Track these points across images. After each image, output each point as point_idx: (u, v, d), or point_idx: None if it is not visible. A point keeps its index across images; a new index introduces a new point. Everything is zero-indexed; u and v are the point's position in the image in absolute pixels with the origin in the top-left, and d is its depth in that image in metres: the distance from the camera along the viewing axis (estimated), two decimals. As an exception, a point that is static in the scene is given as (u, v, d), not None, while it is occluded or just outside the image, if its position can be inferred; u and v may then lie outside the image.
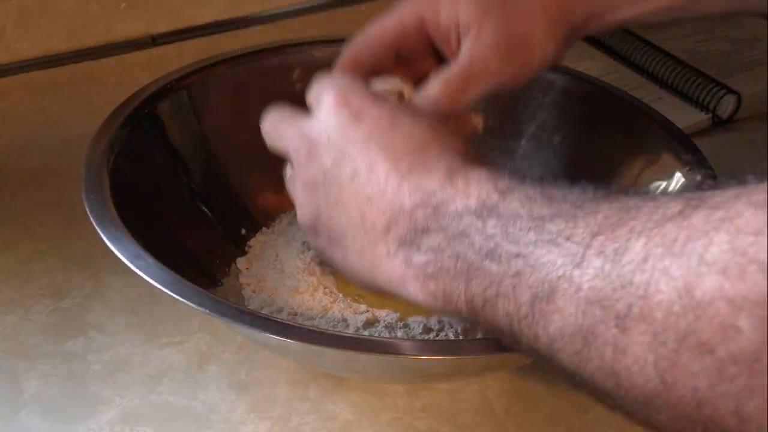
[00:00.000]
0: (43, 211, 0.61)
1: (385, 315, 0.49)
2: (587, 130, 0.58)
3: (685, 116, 0.71)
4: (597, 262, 0.27)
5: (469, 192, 0.34)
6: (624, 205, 0.28)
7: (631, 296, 0.26)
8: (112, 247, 0.42)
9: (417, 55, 0.49)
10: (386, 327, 0.48)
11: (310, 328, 0.43)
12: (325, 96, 0.40)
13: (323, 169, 0.38)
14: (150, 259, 0.41)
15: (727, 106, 0.72)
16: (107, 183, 0.47)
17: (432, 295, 0.34)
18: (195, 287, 0.40)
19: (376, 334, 0.47)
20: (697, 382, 0.24)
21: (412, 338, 0.47)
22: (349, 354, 0.39)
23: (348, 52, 0.48)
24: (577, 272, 0.28)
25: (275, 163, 0.60)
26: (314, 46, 0.61)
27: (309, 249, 0.54)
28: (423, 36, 0.48)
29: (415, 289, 0.35)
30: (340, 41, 0.61)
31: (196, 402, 0.47)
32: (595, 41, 0.81)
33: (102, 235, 0.42)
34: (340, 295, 0.50)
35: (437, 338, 0.47)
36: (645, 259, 0.26)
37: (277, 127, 0.43)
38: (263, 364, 0.49)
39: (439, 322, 0.48)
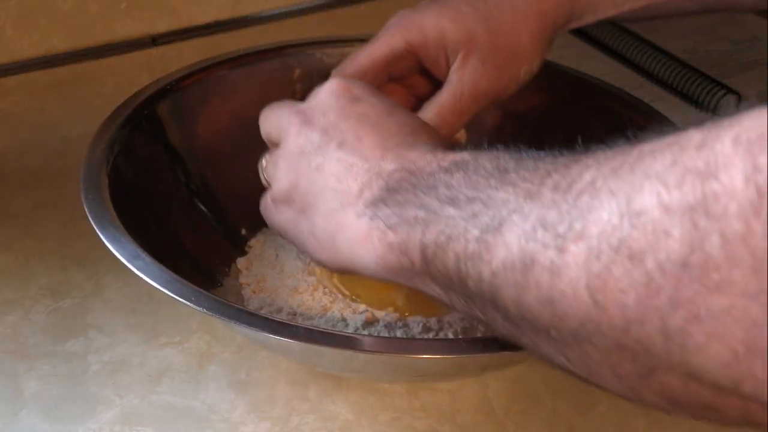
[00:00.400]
0: (43, 211, 0.61)
1: (384, 315, 0.49)
2: (587, 131, 0.58)
3: (685, 116, 0.71)
4: (548, 194, 0.28)
5: (445, 158, 0.35)
6: (583, 152, 0.29)
7: (572, 217, 0.26)
8: (111, 248, 0.42)
9: (408, 74, 0.52)
10: (386, 326, 0.48)
11: (310, 327, 0.43)
12: (327, 84, 0.42)
13: (312, 139, 0.39)
14: (149, 259, 0.41)
15: (727, 106, 0.72)
16: (107, 183, 0.47)
17: (389, 247, 0.35)
18: (194, 287, 0.40)
19: (376, 334, 0.47)
20: (626, 298, 0.24)
21: (412, 337, 0.47)
22: (348, 354, 0.39)
23: (339, 76, 0.49)
24: (527, 204, 0.28)
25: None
26: (314, 46, 0.61)
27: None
28: (412, 59, 0.50)
29: (373, 246, 0.35)
30: (340, 41, 0.61)
31: (196, 402, 0.47)
32: (596, 41, 0.81)
33: (101, 235, 0.42)
34: (340, 295, 0.50)
35: (437, 338, 0.47)
36: (592, 183, 0.26)
37: (273, 110, 0.44)
38: (263, 364, 0.49)
39: (439, 321, 0.48)
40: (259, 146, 0.60)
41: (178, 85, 0.56)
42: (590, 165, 0.27)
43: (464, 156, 0.34)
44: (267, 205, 0.43)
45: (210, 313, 0.39)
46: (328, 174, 0.38)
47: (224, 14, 0.82)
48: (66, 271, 0.55)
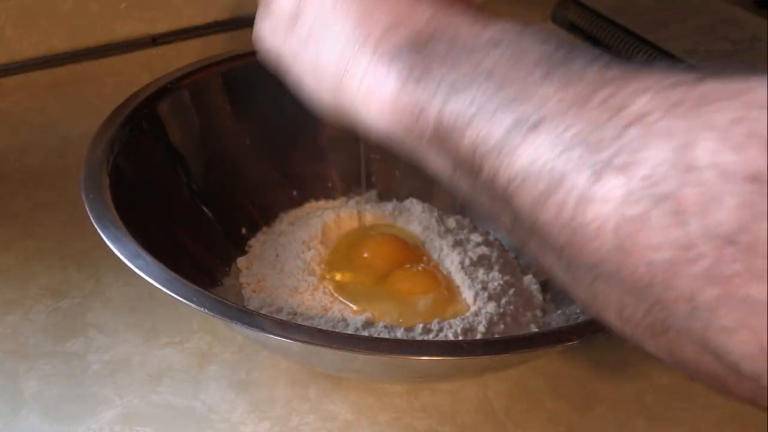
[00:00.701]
0: (43, 211, 0.61)
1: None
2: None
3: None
4: (596, 109, 0.25)
5: (488, 25, 0.31)
6: (639, 67, 0.26)
7: (618, 146, 0.23)
8: (112, 247, 0.42)
9: None
10: (385, 327, 0.48)
11: (310, 328, 0.43)
12: None
13: None
14: (150, 259, 0.41)
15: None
16: (107, 183, 0.47)
17: (401, 107, 0.31)
18: (194, 287, 0.40)
19: (376, 334, 0.47)
20: (658, 255, 0.22)
21: (412, 339, 0.47)
22: (348, 354, 0.39)
23: None
24: (570, 112, 0.25)
25: (275, 163, 0.60)
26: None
27: (309, 249, 0.54)
28: None
29: (382, 99, 0.31)
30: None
31: (196, 402, 0.47)
32: (596, 41, 0.81)
33: (102, 235, 0.42)
34: (339, 296, 0.50)
35: (437, 338, 0.47)
36: (646, 114, 0.23)
37: None
38: (263, 364, 0.49)
39: (439, 323, 0.48)
40: (260, 145, 0.60)
41: (178, 85, 0.56)
42: (648, 88, 0.24)
43: (509, 28, 0.30)
44: (261, 27, 0.38)
45: (211, 313, 0.39)
46: (351, 2, 0.33)
47: (224, 14, 0.82)
48: (66, 271, 0.55)
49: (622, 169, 0.23)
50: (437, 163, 0.31)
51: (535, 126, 0.26)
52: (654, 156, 0.22)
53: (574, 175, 0.24)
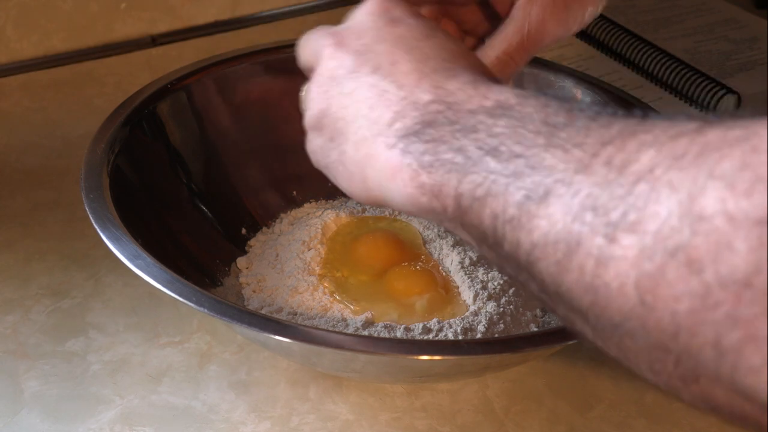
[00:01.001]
0: (43, 211, 0.61)
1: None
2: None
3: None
4: (601, 170, 0.26)
5: (488, 95, 0.32)
6: (640, 121, 0.27)
7: (627, 205, 0.24)
8: (112, 247, 0.42)
9: (461, 6, 0.48)
10: (385, 327, 0.48)
11: (310, 328, 0.43)
12: (365, 4, 0.39)
13: (344, 63, 0.37)
14: (149, 259, 0.41)
15: (727, 106, 0.72)
16: (107, 183, 0.47)
17: (421, 188, 0.32)
18: (194, 287, 0.40)
19: (376, 334, 0.47)
20: (679, 305, 0.23)
21: (412, 338, 0.47)
22: (348, 354, 0.39)
23: None
24: (578, 177, 0.26)
25: (275, 163, 0.60)
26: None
27: (309, 249, 0.54)
28: None
29: (404, 181, 0.33)
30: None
31: (196, 402, 0.47)
32: (596, 41, 0.81)
33: (102, 235, 0.42)
34: (339, 296, 0.50)
35: (436, 338, 0.47)
36: (651, 170, 0.24)
37: (310, 35, 0.41)
38: (263, 364, 0.49)
39: (439, 323, 0.48)
40: (260, 145, 0.60)
41: (178, 85, 0.56)
42: (649, 143, 0.25)
43: (509, 97, 0.32)
44: (308, 146, 0.41)
45: (210, 313, 0.39)
46: (360, 100, 0.36)
47: (224, 14, 0.82)
48: (66, 271, 0.55)
49: (633, 227, 0.24)
50: (465, 237, 0.32)
51: (546, 196, 0.27)
52: (663, 210, 0.23)
53: (589, 238, 0.25)
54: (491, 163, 0.30)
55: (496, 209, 0.29)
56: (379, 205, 0.37)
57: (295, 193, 0.60)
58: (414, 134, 0.33)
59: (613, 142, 0.26)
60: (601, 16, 0.81)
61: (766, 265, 0.21)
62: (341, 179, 0.38)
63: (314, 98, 0.39)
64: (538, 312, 0.51)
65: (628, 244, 0.24)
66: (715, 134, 0.23)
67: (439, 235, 0.56)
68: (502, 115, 0.31)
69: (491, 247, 0.30)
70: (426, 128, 0.33)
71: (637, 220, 0.24)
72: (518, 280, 0.30)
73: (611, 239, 0.24)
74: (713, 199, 0.22)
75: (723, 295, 0.22)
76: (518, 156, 0.29)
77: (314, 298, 0.50)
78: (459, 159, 0.31)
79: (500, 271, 0.31)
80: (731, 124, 0.23)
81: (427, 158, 0.32)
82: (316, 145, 0.40)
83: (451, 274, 0.53)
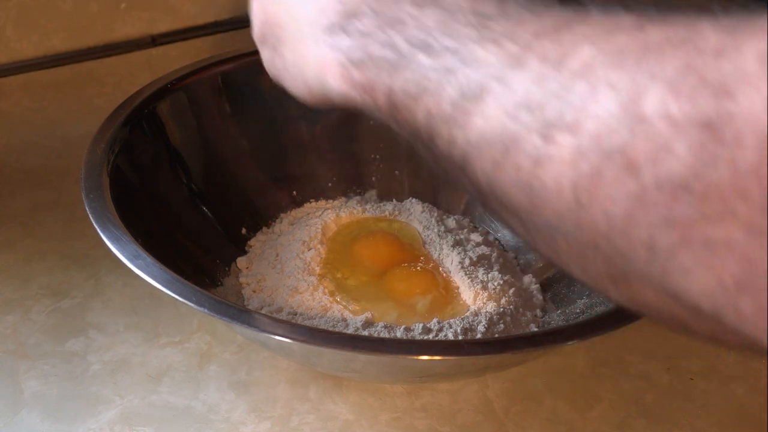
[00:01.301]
0: (43, 211, 0.61)
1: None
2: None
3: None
4: (536, 66, 0.25)
5: None
6: (575, 11, 0.26)
7: (564, 104, 0.23)
8: (112, 247, 0.42)
9: None
10: (385, 327, 0.48)
11: (310, 328, 0.43)
12: None
13: None
14: (150, 259, 0.41)
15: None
16: (107, 183, 0.47)
17: (353, 85, 0.32)
18: (194, 287, 0.40)
19: (376, 334, 0.47)
20: (614, 207, 0.22)
21: (412, 338, 0.47)
22: (348, 354, 0.39)
23: None
24: (512, 73, 0.25)
25: (275, 163, 0.60)
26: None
27: (309, 249, 0.54)
28: None
29: (336, 79, 0.33)
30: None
31: (196, 402, 0.47)
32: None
33: (102, 235, 0.42)
34: (339, 296, 0.50)
35: (436, 338, 0.47)
36: (589, 68, 0.23)
37: None
38: (263, 364, 0.49)
39: (439, 323, 0.48)
40: (259, 145, 0.60)
41: (178, 85, 0.56)
42: (587, 37, 0.24)
43: None
44: (262, 55, 0.41)
45: (211, 313, 0.39)
46: (290, 4, 0.36)
47: (224, 14, 0.82)
48: (66, 271, 0.55)
49: (571, 127, 0.23)
50: (399, 132, 0.31)
51: (481, 94, 0.26)
52: (601, 110, 0.22)
53: (525, 137, 0.24)
54: (422, 58, 0.29)
55: (430, 107, 0.28)
56: (326, 104, 0.36)
57: (295, 193, 0.60)
58: (340, 28, 0.33)
59: (547, 35, 0.25)
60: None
61: (706, 169, 0.20)
62: (289, 84, 0.38)
63: (255, 13, 0.39)
64: (538, 312, 0.51)
65: (565, 144, 0.23)
66: (657, 33, 0.23)
67: (439, 235, 0.56)
68: (428, 3, 0.30)
69: (425, 145, 0.30)
70: (350, 20, 0.32)
71: (575, 120, 0.23)
72: (450, 178, 0.29)
73: (548, 139, 0.24)
74: (655, 102, 0.21)
75: (660, 197, 0.21)
76: (449, 51, 0.28)
77: (314, 298, 0.50)
78: (389, 54, 0.30)
79: (433, 168, 0.30)
80: (674, 22, 0.23)
81: (357, 54, 0.31)
82: (266, 59, 0.40)
83: (451, 274, 0.53)
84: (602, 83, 0.23)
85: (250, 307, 0.50)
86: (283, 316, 0.49)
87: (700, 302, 0.22)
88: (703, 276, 0.21)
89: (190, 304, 0.39)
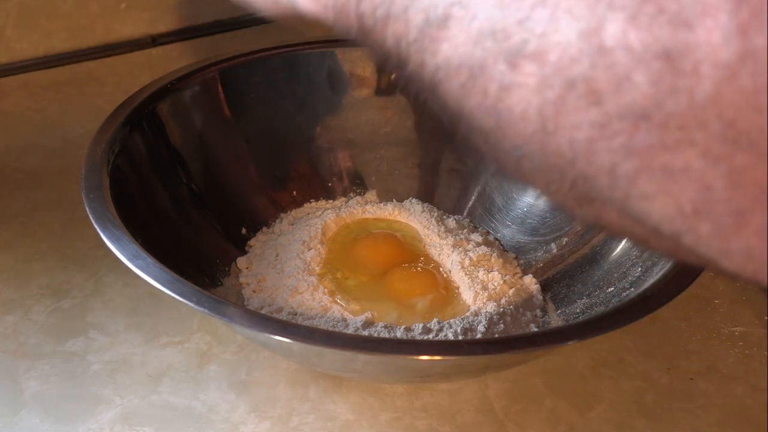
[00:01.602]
0: (43, 211, 0.61)
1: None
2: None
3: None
4: None
5: None
6: None
7: (527, 32, 0.24)
8: (112, 247, 0.42)
9: None
10: (385, 327, 0.48)
11: (310, 328, 0.43)
12: None
13: None
14: (150, 259, 0.41)
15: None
16: (107, 183, 0.47)
17: (323, 7, 0.32)
18: (195, 287, 0.40)
19: (376, 334, 0.47)
20: (577, 133, 0.23)
21: (412, 338, 0.47)
22: (348, 354, 0.39)
23: None
24: None
25: (275, 163, 0.60)
26: (314, 46, 0.61)
27: (309, 249, 0.54)
28: None
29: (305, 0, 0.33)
30: (340, 41, 0.61)
31: (196, 402, 0.47)
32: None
33: (102, 235, 0.42)
34: (339, 296, 0.50)
35: (436, 338, 0.47)
36: None
37: None
38: (263, 364, 0.49)
39: (439, 323, 0.48)
40: (259, 145, 0.60)
41: (178, 85, 0.56)
42: None
43: None
44: None
45: (211, 313, 0.39)
46: None
47: (224, 14, 0.82)
48: (66, 271, 0.55)
49: (534, 55, 0.23)
50: (372, 53, 0.31)
51: (445, 20, 0.26)
52: (563, 39, 0.23)
53: (491, 64, 0.25)
54: None
55: (398, 31, 0.28)
56: (292, 18, 0.36)
57: (295, 193, 0.60)
58: None
59: None
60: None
61: (665, 99, 0.21)
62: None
63: None
64: (538, 312, 0.51)
65: (529, 72, 0.24)
66: None
67: (439, 236, 0.56)
68: None
69: (396, 67, 0.30)
70: None
71: (538, 48, 0.23)
72: (420, 99, 0.30)
73: (513, 66, 0.24)
74: (614, 31, 0.22)
75: (621, 126, 0.22)
76: None
77: (314, 298, 0.50)
78: None
79: (402, 92, 0.30)
80: None
81: None
82: None
83: (451, 275, 0.53)
84: (562, 11, 0.23)
85: (250, 307, 0.50)
86: (283, 316, 0.49)
87: (659, 225, 0.23)
88: (663, 201, 0.22)
89: (190, 304, 0.39)
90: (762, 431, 0.47)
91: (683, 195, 0.22)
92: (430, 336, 0.47)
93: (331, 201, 0.61)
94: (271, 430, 0.45)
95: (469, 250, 0.54)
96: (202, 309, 0.39)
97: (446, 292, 0.51)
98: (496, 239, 0.58)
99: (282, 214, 0.59)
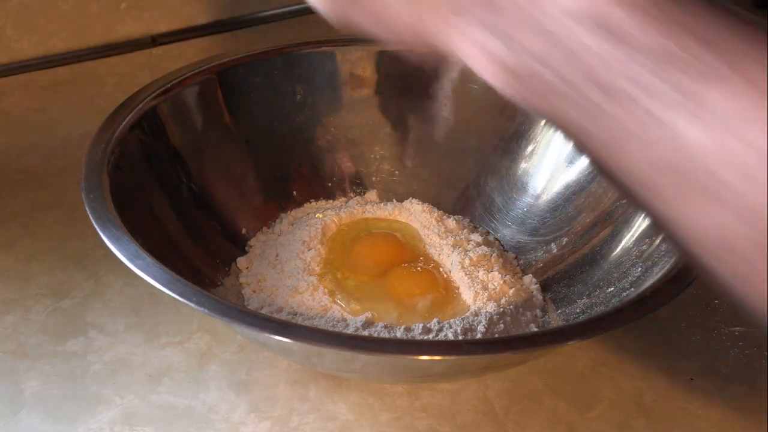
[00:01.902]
0: (43, 211, 0.61)
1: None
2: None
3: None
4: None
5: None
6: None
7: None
8: (112, 247, 0.42)
9: None
10: (385, 327, 0.48)
11: (310, 328, 0.43)
12: None
13: None
14: (150, 259, 0.41)
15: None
16: (107, 183, 0.47)
17: (503, 81, 0.30)
18: (195, 287, 0.40)
19: (376, 334, 0.47)
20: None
21: (412, 338, 0.47)
22: (348, 354, 0.39)
23: None
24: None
25: (275, 163, 0.60)
26: (314, 46, 0.61)
27: (309, 249, 0.54)
28: None
29: (482, 66, 0.30)
30: (340, 41, 0.61)
31: (196, 402, 0.47)
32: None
33: (102, 235, 0.42)
34: (339, 296, 0.50)
35: (436, 338, 0.47)
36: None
37: None
38: (263, 364, 0.49)
39: (439, 322, 0.48)
40: (260, 145, 0.60)
41: (178, 85, 0.56)
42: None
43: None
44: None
45: (211, 314, 0.39)
46: None
47: (224, 14, 0.82)
48: (66, 271, 0.55)
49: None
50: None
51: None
52: None
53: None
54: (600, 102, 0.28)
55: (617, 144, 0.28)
56: (426, 52, 0.34)
57: (295, 193, 0.60)
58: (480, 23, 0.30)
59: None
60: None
61: None
62: (385, 16, 0.34)
63: None
64: (538, 312, 0.51)
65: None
66: None
67: (439, 236, 0.56)
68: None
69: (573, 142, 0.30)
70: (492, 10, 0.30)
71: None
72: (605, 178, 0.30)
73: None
74: None
75: None
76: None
77: (314, 298, 0.50)
78: (559, 87, 0.28)
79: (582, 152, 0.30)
80: None
81: (513, 63, 0.30)
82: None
83: (451, 274, 0.53)
84: None
85: (250, 307, 0.50)
86: (283, 316, 0.49)
87: None
88: None
89: (190, 304, 0.39)
90: (762, 431, 0.47)
91: None
92: (430, 336, 0.47)
93: (331, 201, 0.61)
94: (271, 430, 0.45)
95: (469, 250, 0.54)
96: (202, 309, 0.39)
97: (446, 292, 0.51)
98: (496, 239, 0.58)
99: (282, 214, 0.59)
